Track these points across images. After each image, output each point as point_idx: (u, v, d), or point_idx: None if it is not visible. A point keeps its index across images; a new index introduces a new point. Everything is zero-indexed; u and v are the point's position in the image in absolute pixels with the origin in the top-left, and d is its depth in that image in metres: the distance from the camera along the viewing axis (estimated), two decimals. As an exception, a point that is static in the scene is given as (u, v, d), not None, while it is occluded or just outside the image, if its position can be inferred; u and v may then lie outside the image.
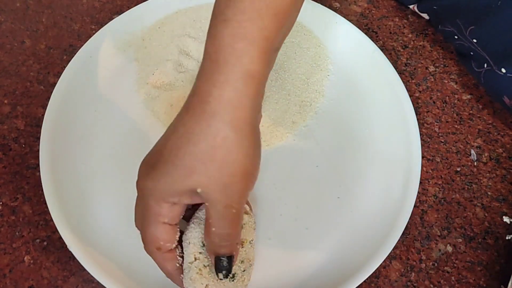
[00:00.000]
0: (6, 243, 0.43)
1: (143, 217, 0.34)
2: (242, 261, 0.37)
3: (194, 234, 0.36)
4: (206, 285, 0.35)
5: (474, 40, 0.49)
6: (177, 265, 0.36)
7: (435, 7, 0.54)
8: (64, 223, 0.41)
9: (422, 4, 0.57)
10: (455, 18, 0.51)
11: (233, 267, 0.36)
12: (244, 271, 0.37)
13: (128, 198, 0.44)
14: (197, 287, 0.35)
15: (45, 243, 0.44)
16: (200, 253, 0.36)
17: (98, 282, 0.38)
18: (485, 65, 0.49)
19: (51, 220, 0.41)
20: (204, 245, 0.36)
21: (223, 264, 0.35)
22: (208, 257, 0.35)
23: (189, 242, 0.36)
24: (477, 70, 0.50)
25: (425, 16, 0.58)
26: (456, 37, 0.52)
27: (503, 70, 0.47)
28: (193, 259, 0.35)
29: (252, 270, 0.39)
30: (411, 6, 0.59)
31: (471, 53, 0.51)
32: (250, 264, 0.38)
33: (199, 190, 0.31)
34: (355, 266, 0.40)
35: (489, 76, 0.49)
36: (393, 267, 0.44)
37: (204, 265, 0.35)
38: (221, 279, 0.36)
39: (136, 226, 0.36)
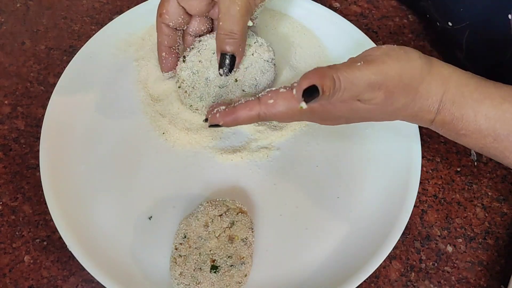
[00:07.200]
0: (6, 243, 0.43)
1: None
2: (229, 256, 0.39)
3: (181, 227, 0.41)
4: (181, 272, 0.38)
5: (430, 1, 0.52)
6: (165, 42, 0.46)
7: None
8: (64, 223, 0.41)
9: None
10: None
11: (218, 260, 0.38)
12: (231, 266, 0.39)
13: (128, 198, 0.44)
14: (171, 274, 0.39)
15: (45, 243, 0.44)
16: (180, 244, 0.40)
17: (98, 282, 0.38)
18: (438, 24, 0.52)
19: (51, 220, 0.41)
20: (185, 236, 0.39)
21: (224, 61, 0.42)
22: (186, 247, 0.39)
23: (176, 235, 0.40)
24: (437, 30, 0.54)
25: None
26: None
27: (450, 24, 0.50)
28: (174, 249, 0.40)
29: (248, 269, 0.39)
30: None
31: (428, 15, 0.55)
32: (242, 262, 0.39)
33: None
34: (355, 266, 0.40)
35: (442, 33, 0.52)
36: (393, 267, 0.44)
37: (180, 255, 0.39)
38: (220, 75, 0.43)
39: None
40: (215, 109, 0.39)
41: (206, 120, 0.40)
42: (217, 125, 0.38)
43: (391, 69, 0.34)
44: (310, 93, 0.32)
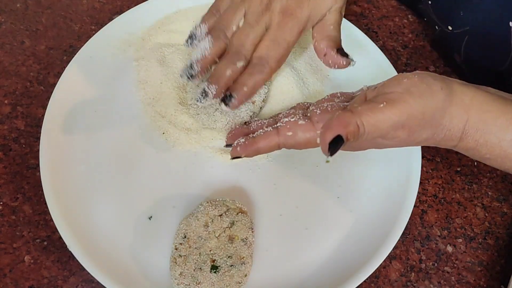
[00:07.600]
0: (6, 243, 0.43)
1: None
2: (229, 256, 0.39)
3: (181, 227, 0.41)
4: (181, 272, 0.39)
5: (429, 2, 0.52)
6: None
7: None
8: (64, 223, 0.41)
9: None
10: None
11: (218, 260, 0.39)
12: (231, 266, 0.39)
13: (128, 198, 0.44)
14: (171, 274, 0.39)
15: (45, 243, 0.44)
16: (180, 244, 0.40)
17: (98, 282, 0.38)
18: (436, 27, 0.53)
19: (51, 220, 0.41)
20: (185, 236, 0.40)
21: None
22: (186, 247, 0.39)
23: (176, 235, 0.40)
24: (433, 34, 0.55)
25: None
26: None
27: (450, 28, 0.50)
28: (174, 249, 0.40)
29: (248, 269, 0.39)
30: None
31: (425, 19, 0.55)
32: (242, 262, 0.39)
33: None
34: (355, 266, 0.40)
35: (440, 36, 0.53)
36: (393, 267, 0.44)
37: (180, 255, 0.39)
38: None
39: None
40: (235, 142, 0.40)
41: (227, 145, 0.42)
42: (239, 157, 0.40)
43: (414, 109, 0.34)
44: (335, 144, 0.32)
